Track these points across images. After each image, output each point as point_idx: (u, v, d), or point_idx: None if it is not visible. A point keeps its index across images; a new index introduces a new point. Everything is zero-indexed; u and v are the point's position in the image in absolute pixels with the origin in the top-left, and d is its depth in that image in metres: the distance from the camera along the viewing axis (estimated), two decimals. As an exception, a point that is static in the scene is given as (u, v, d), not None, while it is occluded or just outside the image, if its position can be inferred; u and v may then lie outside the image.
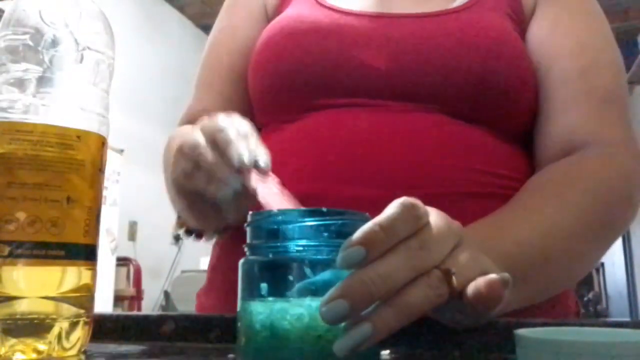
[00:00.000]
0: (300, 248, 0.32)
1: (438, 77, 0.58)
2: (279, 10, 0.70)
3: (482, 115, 0.58)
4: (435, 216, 0.35)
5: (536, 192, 0.54)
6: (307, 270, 0.31)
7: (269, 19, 0.71)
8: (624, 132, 0.59)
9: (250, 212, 0.35)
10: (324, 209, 0.33)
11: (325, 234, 0.33)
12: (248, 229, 0.35)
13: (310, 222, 0.33)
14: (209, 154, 0.46)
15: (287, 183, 0.56)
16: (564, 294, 0.60)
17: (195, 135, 0.48)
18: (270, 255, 0.33)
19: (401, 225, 0.32)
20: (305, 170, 0.56)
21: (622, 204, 0.55)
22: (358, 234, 0.31)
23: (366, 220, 0.34)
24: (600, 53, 0.62)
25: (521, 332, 0.28)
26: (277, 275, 0.32)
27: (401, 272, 0.32)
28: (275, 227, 0.33)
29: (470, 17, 0.61)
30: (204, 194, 0.48)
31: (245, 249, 0.34)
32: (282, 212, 0.33)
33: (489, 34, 0.59)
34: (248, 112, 0.66)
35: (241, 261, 0.34)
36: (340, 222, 0.33)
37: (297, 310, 0.31)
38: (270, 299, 0.32)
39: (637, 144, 0.60)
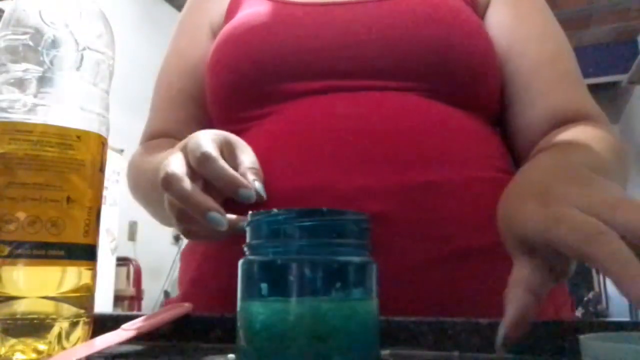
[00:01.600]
0: (301, 248, 0.32)
1: (400, 53, 0.59)
2: (227, 19, 0.71)
3: (451, 91, 0.59)
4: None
5: (566, 141, 0.56)
6: (307, 271, 0.31)
7: (214, 34, 0.72)
8: (598, 109, 0.64)
9: (250, 212, 0.35)
10: (324, 209, 0.33)
11: (326, 234, 0.33)
12: (248, 229, 0.35)
13: (310, 222, 0.33)
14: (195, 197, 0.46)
15: (279, 178, 0.55)
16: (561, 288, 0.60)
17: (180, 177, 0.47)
18: (271, 255, 0.33)
19: None
20: (297, 163, 0.55)
21: (626, 163, 0.59)
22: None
23: (366, 220, 0.34)
24: (560, 42, 0.66)
25: (588, 338, 0.28)
26: (277, 275, 0.32)
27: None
28: (276, 226, 0.33)
29: None
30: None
31: (245, 249, 0.34)
32: (282, 212, 0.33)
33: (445, 9, 0.62)
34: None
35: (241, 261, 0.34)
36: (340, 222, 0.33)
37: (298, 310, 0.31)
38: (271, 299, 0.32)
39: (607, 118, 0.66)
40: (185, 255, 0.65)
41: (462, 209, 0.53)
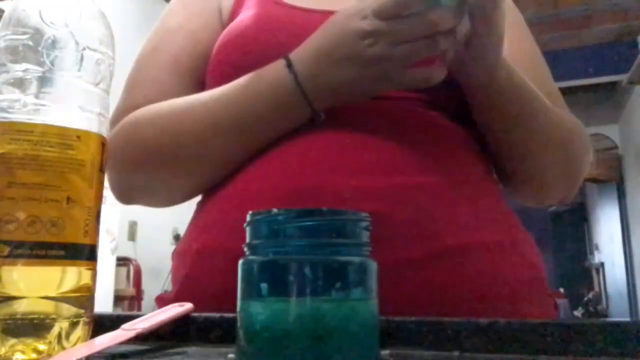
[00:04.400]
0: (301, 248, 0.32)
1: None
2: (234, 13, 0.71)
3: (447, 101, 0.62)
4: None
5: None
6: (307, 270, 0.31)
7: (223, 23, 0.71)
8: (577, 120, 0.70)
9: (250, 212, 0.35)
10: (324, 209, 0.33)
11: (325, 234, 0.33)
12: (247, 229, 0.35)
13: (310, 222, 0.33)
14: None
15: (278, 178, 0.56)
16: (542, 287, 0.60)
17: None
18: (271, 255, 0.33)
19: None
20: (295, 164, 0.56)
21: (583, 144, 0.67)
22: None
23: (366, 219, 0.34)
24: (543, 65, 0.73)
25: None
26: (277, 275, 0.32)
27: None
28: (276, 226, 0.33)
29: None
30: None
31: (245, 249, 0.34)
32: (282, 211, 0.33)
33: None
34: None
35: (241, 261, 0.34)
36: (340, 222, 0.33)
37: (298, 310, 0.31)
38: (271, 299, 0.32)
39: None
40: (178, 254, 0.64)
41: (453, 209, 0.55)
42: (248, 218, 0.35)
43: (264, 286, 0.32)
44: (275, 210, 0.33)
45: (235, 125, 0.58)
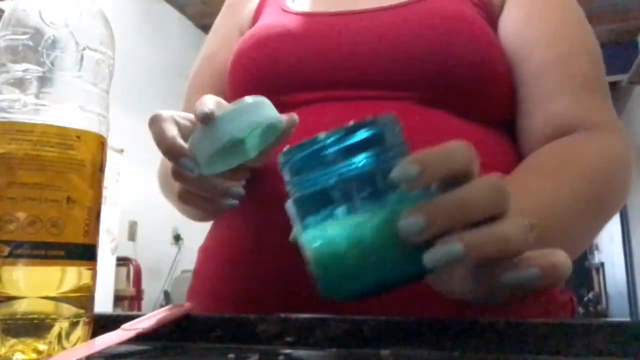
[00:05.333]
0: (345, 168, 0.33)
1: (399, 63, 0.60)
2: (251, 27, 0.74)
3: (451, 100, 0.59)
4: None
5: (532, 173, 0.54)
6: (353, 188, 0.32)
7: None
8: (610, 116, 0.61)
9: (282, 151, 0.36)
10: (350, 125, 0.33)
11: (365, 147, 0.33)
12: (285, 169, 0.35)
13: (341, 143, 0.33)
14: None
15: (263, 180, 0.57)
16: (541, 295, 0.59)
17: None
18: (318, 185, 0.33)
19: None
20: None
21: (613, 187, 0.56)
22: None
23: (395, 119, 0.35)
24: (575, 42, 0.63)
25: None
26: (331, 202, 0.33)
27: (484, 204, 0.33)
28: (309, 158, 0.34)
29: (428, 5, 0.63)
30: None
31: (288, 188, 0.35)
32: (321, 136, 0.34)
33: (446, 19, 0.61)
34: None
35: (289, 200, 0.35)
36: (378, 130, 0.34)
37: (377, 220, 0.32)
38: (348, 217, 0.32)
39: (623, 127, 0.61)
40: (198, 251, 0.69)
41: None
42: (280, 158, 0.35)
43: (340, 209, 0.33)
44: (306, 140, 0.34)
45: (166, 181, 0.68)
